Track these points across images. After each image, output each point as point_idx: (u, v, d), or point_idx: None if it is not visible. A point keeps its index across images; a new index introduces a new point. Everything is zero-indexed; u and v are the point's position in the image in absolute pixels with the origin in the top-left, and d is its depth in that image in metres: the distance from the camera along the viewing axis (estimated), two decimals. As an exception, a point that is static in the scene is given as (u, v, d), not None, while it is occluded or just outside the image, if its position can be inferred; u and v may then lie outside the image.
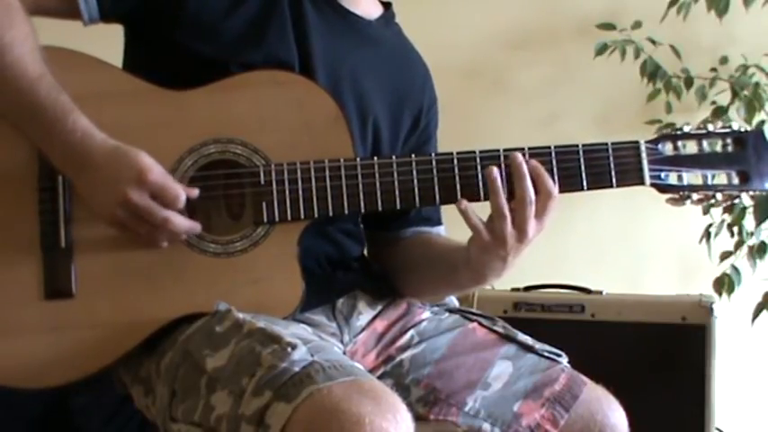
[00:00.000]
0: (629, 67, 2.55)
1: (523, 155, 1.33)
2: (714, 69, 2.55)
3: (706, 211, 2.41)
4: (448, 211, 1.45)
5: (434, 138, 1.60)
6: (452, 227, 1.55)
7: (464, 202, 1.32)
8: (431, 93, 1.59)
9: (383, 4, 1.56)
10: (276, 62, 1.37)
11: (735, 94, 2.48)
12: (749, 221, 2.41)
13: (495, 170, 1.32)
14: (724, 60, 2.57)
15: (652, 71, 2.54)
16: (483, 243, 1.32)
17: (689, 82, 2.54)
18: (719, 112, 2.47)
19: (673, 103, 2.56)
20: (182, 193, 1.27)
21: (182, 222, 1.28)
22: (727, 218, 2.44)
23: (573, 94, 2.72)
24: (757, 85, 2.46)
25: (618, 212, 2.65)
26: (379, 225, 1.53)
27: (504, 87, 2.76)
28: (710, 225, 2.47)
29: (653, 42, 2.55)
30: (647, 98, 2.57)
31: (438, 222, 1.58)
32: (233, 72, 1.36)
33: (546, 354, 1.45)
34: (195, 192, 1.30)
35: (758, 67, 2.50)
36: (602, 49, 2.53)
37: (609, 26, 2.57)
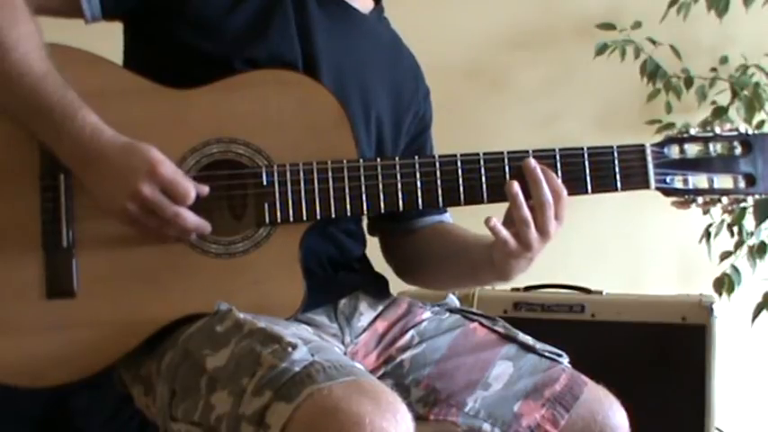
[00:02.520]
0: (629, 67, 2.55)
1: (527, 157, 1.33)
2: (714, 69, 2.56)
3: (706, 212, 2.40)
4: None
5: (431, 128, 1.61)
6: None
7: (493, 220, 1.31)
8: (423, 83, 1.60)
9: None
10: (279, 57, 1.37)
11: (735, 94, 2.48)
12: (749, 221, 2.41)
13: (516, 184, 1.32)
14: (724, 60, 2.57)
15: (652, 71, 2.54)
16: (509, 251, 1.32)
17: (689, 82, 2.54)
18: (719, 112, 2.47)
19: (673, 102, 2.56)
20: (192, 189, 1.27)
21: (192, 219, 1.28)
22: (727, 218, 2.44)
23: (573, 94, 2.72)
24: (757, 85, 2.46)
25: (618, 212, 2.65)
26: (390, 216, 1.52)
27: (504, 87, 2.75)
28: (710, 225, 2.47)
29: (653, 42, 2.55)
30: (647, 98, 2.57)
31: (445, 209, 1.58)
32: (236, 69, 1.35)
33: (546, 354, 1.45)
34: (205, 189, 1.30)
35: (758, 67, 2.50)
36: (602, 49, 2.53)
37: (609, 26, 2.57)
